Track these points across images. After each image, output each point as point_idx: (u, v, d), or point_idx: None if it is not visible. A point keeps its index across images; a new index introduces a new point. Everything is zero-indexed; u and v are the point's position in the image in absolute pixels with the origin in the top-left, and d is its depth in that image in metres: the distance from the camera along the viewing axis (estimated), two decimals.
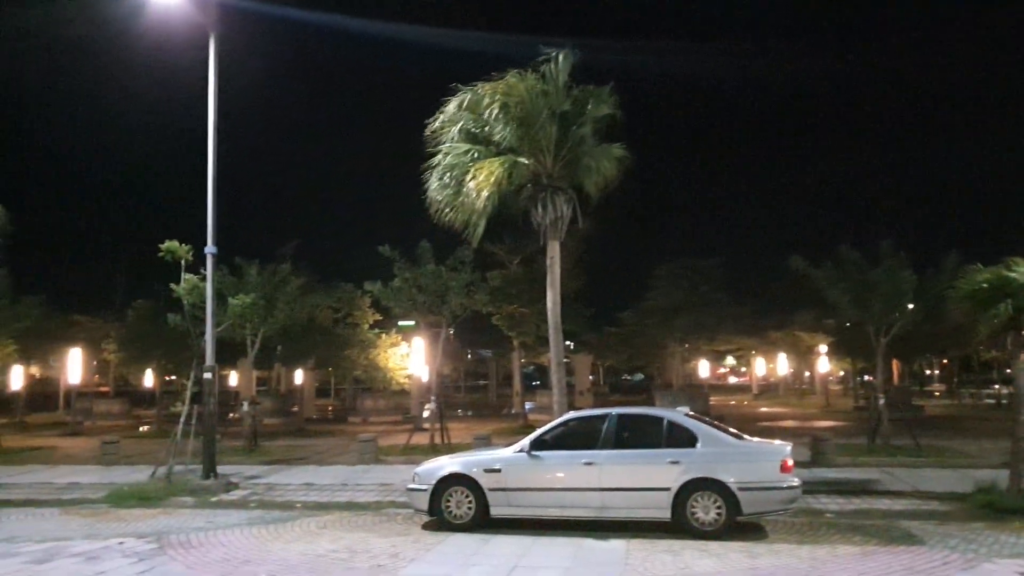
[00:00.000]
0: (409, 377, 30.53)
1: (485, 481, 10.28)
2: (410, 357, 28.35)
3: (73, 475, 16.23)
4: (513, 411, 31.33)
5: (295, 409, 33.63)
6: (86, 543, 9.55)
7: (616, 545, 9.09)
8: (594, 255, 32.15)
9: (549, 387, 18.02)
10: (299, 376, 34.82)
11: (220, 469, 15.74)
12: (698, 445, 9.86)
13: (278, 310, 20.96)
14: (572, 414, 11.42)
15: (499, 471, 10.30)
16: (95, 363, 37.80)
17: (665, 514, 9.59)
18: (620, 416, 10.57)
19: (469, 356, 65.18)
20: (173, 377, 37.39)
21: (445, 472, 10.55)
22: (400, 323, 21.19)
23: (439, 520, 10.39)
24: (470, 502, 10.30)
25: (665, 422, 10.28)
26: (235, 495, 13.69)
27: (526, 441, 10.60)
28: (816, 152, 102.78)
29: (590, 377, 52.24)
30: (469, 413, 40.19)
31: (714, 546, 8.91)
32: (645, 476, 9.79)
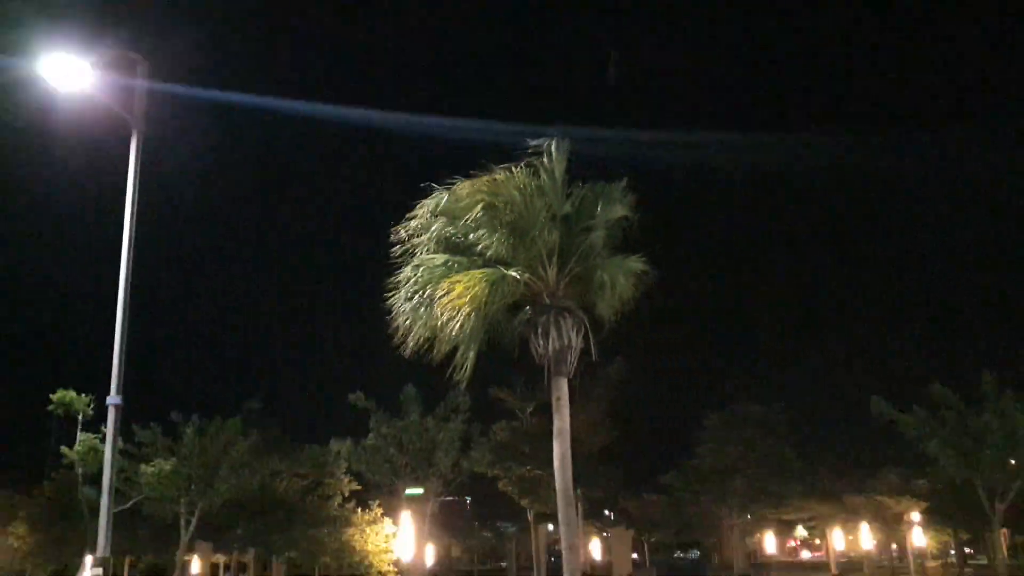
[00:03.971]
0: (397, 563, 27.75)
1: None
2: (396, 537, 25.76)
3: None
4: None
5: None
6: None
7: None
8: (627, 401, 30.00)
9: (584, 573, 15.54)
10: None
11: None
12: None
13: (220, 479, 18.89)
14: None
15: None
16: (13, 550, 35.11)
17: None
18: None
19: (488, 533, 61.84)
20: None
21: None
22: (408, 491, 19.14)
23: None
24: None
25: None
26: None
27: None
28: (895, 266, 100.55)
29: (632, 556, 48.67)
30: None
31: None
32: None
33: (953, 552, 44.79)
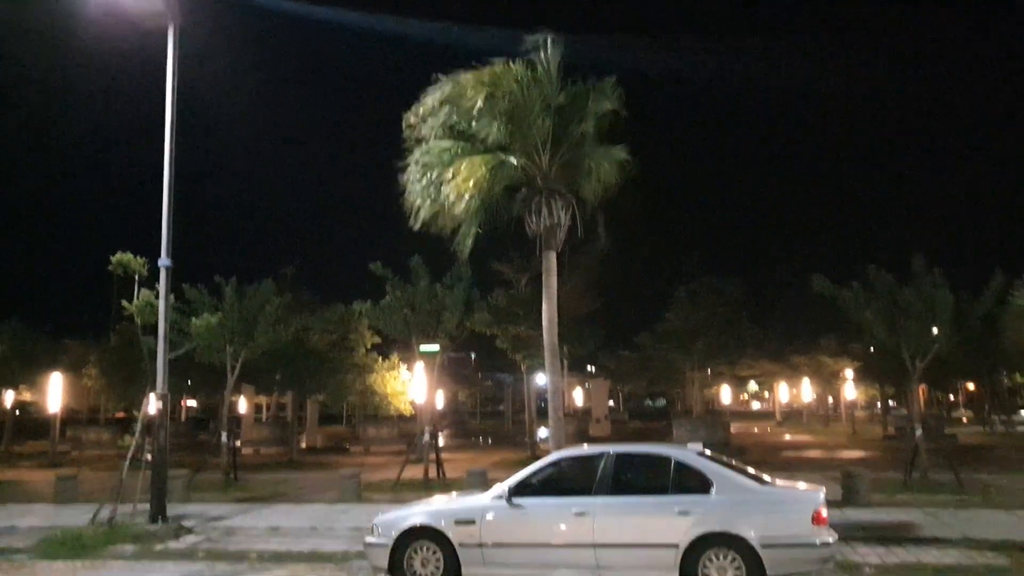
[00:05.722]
0: (413, 403, 28.64)
1: (456, 535, 8.46)
2: (411, 382, 26.46)
3: (16, 516, 14.47)
4: (527, 439, 29.41)
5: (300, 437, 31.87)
6: None
7: None
8: (609, 274, 30.20)
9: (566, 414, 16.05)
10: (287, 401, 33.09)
11: (186, 508, 14.45)
12: (712, 491, 8.01)
13: (258, 332, 19.18)
14: (562, 453, 9.57)
15: (472, 523, 8.46)
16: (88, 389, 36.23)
17: (673, 575, 7.67)
18: (619, 456, 8.69)
19: (489, 382, 63.26)
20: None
21: (409, 524, 8.73)
22: (422, 348, 19.53)
23: None
24: (438, 560, 8.52)
25: (672, 463, 8.41)
26: (185, 542, 11.87)
27: (506, 485, 8.70)
28: (840, 163, 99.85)
29: (609, 403, 50.01)
30: (489, 441, 38.27)
31: None
32: (648, 530, 8.00)
33: (879, 404, 46.10)
